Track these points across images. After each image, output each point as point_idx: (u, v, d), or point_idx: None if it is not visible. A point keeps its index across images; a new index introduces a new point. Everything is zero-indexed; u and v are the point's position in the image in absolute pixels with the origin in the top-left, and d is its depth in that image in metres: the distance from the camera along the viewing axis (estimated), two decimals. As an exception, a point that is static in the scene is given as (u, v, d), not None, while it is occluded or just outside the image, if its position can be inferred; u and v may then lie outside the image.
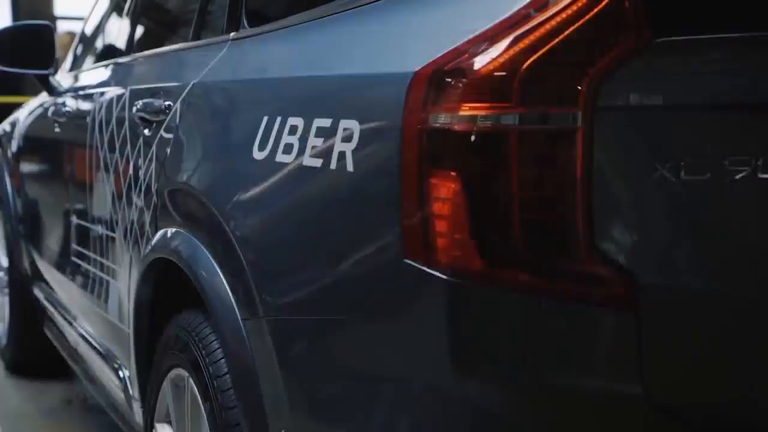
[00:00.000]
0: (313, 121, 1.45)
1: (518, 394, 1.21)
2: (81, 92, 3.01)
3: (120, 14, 3.13)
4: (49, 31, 3.33)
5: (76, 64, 3.50)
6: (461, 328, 1.20)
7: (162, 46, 2.55)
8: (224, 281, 1.65)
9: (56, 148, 3.19)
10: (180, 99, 1.98)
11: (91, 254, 2.67)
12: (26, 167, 3.80)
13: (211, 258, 1.71)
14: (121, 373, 2.42)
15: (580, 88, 1.16)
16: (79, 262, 2.84)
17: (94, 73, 3.05)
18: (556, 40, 1.17)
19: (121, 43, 2.94)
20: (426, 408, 1.27)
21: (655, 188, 1.18)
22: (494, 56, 1.18)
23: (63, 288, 3.17)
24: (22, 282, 3.77)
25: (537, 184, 1.18)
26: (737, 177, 1.18)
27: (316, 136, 1.43)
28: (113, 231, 2.39)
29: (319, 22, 1.65)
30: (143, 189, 2.12)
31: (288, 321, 1.50)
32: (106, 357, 2.59)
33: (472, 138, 1.18)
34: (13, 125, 4.03)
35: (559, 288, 1.19)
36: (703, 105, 1.20)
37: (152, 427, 2.00)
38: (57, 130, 3.16)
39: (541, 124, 1.17)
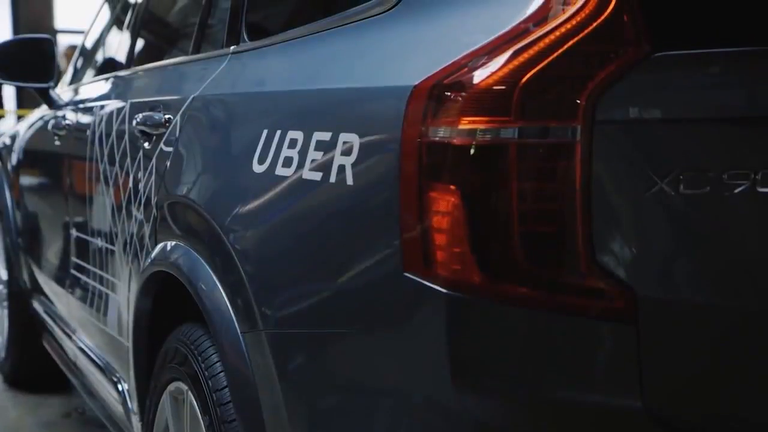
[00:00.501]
0: (312, 135, 1.45)
1: (518, 407, 1.21)
2: (81, 105, 3.01)
3: (120, 27, 3.14)
4: (49, 44, 3.34)
5: (77, 77, 3.51)
6: (461, 341, 1.20)
7: (162, 59, 2.56)
8: (224, 294, 1.65)
9: (56, 161, 3.19)
10: (180, 112, 1.99)
11: (91, 267, 2.67)
12: (26, 180, 3.80)
13: (210, 271, 1.71)
14: (120, 387, 2.41)
15: (579, 101, 1.17)
16: (79, 275, 2.84)
17: (95, 87, 3.06)
18: (556, 53, 1.17)
19: (121, 57, 2.95)
20: (426, 421, 1.27)
21: (654, 202, 1.18)
22: (493, 70, 1.18)
23: (62, 301, 3.17)
24: (22, 295, 3.76)
25: (536, 198, 1.18)
26: (736, 191, 1.18)
27: (316, 149, 1.43)
28: (113, 244, 2.39)
29: (319, 35, 1.65)
30: (143, 202, 2.12)
31: (287, 334, 1.50)
32: (105, 370, 2.59)
33: (472, 151, 1.18)
34: (14, 138, 4.03)
35: (558, 301, 1.19)
36: (702, 119, 1.20)
37: (151, 440, 2.00)
38: (57, 143, 3.16)
39: (540, 137, 1.18)
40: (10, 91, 10.91)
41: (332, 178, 1.38)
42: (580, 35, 1.18)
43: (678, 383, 1.21)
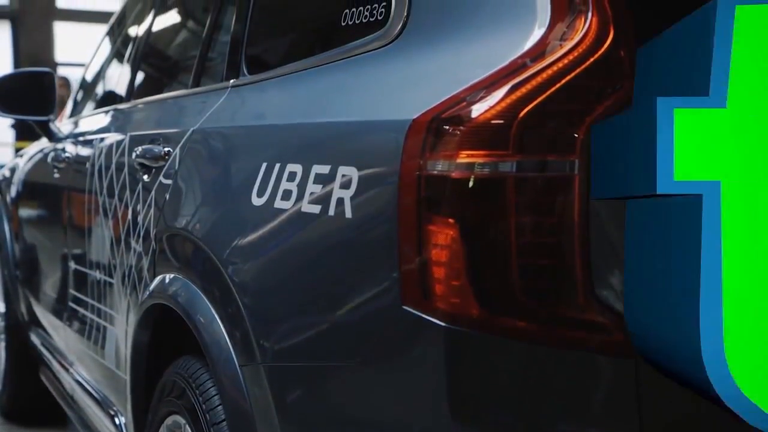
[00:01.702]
0: (311, 168, 1.45)
1: (517, 441, 1.20)
2: (81, 138, 3.02)
3: (120, 61, 3.15)
4: (49, 78, 3.36)
5: (77, 110, 3.52)
6: (460, 374, 1.19)
7: (162, 92, 2.57)
8: (222, 327, 1.65)
9: (55, 194, 3.19)
10: (179, 145, 1.99)
11: (89, 300, 2.67)
12: (25, 212, 3.81)
13: (209, 304, 1.71)
14: (117, 420, 2.40)
15: (577, 135, 1.17)
16: (77, 307, 2.83)
17: (94, 119, 3.07)
18: (553, 88, 1.18)
19: (121, 90, 2.96)
20: (424, 455, 1.26)
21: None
22: (492, 104, 1.19)
23: (60, 334, 3.16)
24: (19, 327, 3.75)
25: (535, 231, 1.18)
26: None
27: (315, 182, 1.44)
28: (111, 276, 2.39)
29: (318, 69, 1.66)
30: (142, 234, 2.12)
31: (286, 367, 1.50)
32: (103, 403, 2.58)
33: (470, 185, 1.19)
34: (13, 171, 4.04)
35: (557, 335, 1.19)
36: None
37: (148, 474, 1.99)
38: (56, 175, 3.17)
39: (538, 171, 1.18)
40: (7, 123, 10.94)
41: (331, 211, 1.38)
42: (578, 70, 1.19)
43: (676, 417, 1.20)
